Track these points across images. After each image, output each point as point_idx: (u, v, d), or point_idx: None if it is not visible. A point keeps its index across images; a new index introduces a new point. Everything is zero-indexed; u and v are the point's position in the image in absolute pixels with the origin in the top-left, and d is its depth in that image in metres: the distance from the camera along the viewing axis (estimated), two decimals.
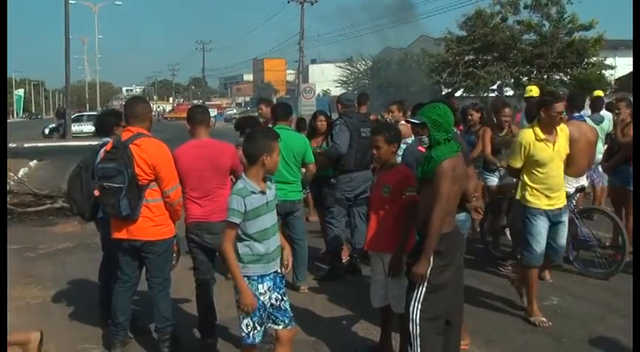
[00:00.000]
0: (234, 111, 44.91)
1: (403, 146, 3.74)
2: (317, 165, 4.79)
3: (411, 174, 3.20)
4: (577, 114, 5.09)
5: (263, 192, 2.76)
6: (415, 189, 3.07)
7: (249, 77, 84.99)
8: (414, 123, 3.01)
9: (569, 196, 5.19)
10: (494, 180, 5.61)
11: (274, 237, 2.79)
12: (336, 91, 37.22)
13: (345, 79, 41.57)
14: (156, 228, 3.34)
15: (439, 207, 2.75)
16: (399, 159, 3.54)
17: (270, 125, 4.81)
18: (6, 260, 3.13)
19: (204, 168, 3.50)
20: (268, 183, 2.82)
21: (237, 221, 2.67)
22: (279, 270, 2.79)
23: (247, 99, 74.98)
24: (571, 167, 5.04)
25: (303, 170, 4.73)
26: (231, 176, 3.77)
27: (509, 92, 21.02)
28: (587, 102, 6.88)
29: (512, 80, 20.62)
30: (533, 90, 7.20)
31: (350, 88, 39.88)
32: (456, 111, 3.73)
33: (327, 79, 49.18)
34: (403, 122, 5.26)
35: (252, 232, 2.70)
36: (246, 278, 2.69)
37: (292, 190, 4.58)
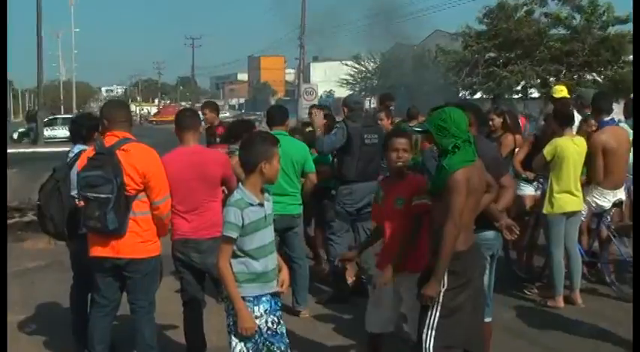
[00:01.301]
0: (227, 114, 45.11)
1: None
2: (319, 175, 4.84)
3: (425, 182, 3.25)
4: (607, 118, 5.13)
5: (261, 205, 2.80)
6: (426, 197, 3.11)
7: (243, 76, 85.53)
8: (419, 131, 3.07)
9: (604, 211, 5.22)
10: (528, 191, 5.61)
11: (272, 254, 2.82)
12: (341, 92, 37.40)
13: (351, 78, 41.80)
14: (143, 245, 3.35)
15: (451, 222, 2.78)
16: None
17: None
18: (6, 259, 3.15)
19: (191, 179, 3.54)
20: (266, 194, 2.86)
21: (235, 235, 2.70)
22: (276, 291, 2.82)
23: (242, 101, 75.43)
24: (608, 178, 5.07)
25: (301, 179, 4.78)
26: (223, 188, 3.80)
27: (535, 94, 21.10)
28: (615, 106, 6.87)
29: (539, 80, 20.63)
30: (564, 91, 7.11)
31: (357, 89, 40.10)
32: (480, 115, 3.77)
33: (330, 78, 49.42)
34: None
35: (250, 248, 2.74)
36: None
37: (291, 203, 4.60)
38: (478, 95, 21.57)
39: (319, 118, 5.35)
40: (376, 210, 3.44)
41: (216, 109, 6.58)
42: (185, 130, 3.66)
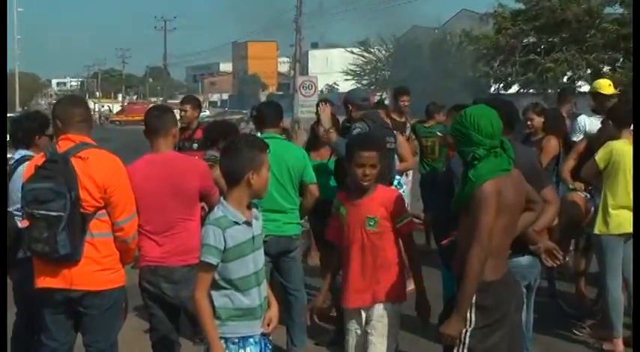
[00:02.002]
0: (208, 112, 45.18)
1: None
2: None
3: (399, 195, 3.44)
4: None
5: (249, 223, 2.81)
6: (410, 216, 3.25)
7: (227, 67, 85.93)
8: (439, 135, 3.13)
9: None
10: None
11: (262, 285, 2.83)
12: (346, 86, 37.61)
13: (357, 69, 41.96)
14: (102, 274, 3.36)
15: (477, 245, 2.80)
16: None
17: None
18: (6, 258, 3.14)
19: (163, 193, 3.56)
20: (254, 210, 2.88)
21: (215, 261, 2.72)
22: (266, 330, 2.84)
23: (225, 96, 75.68)
24: None
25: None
26: (202, 203, 3.82)
27: (585, 87, 21.08)
28: None
29: (590, 71, 20.57)
30: (612, 87, 6.96)
31: (364, 83, 40.23)
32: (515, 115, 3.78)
33: (333, 69, 49.68)
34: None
35: (235, 277, 2.76)
36: (223, 341, 2.72)
37: (288, 221, 4.62)
38: (514, 89, 21.60)
39: (327, 114, 5.35)
40: (335, 229, 3.50)
41: (198, 107, 6.59)
42: (155, 133, 3.69)
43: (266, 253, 3.12)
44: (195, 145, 6.13)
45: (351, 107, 5.29)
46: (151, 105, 5.76)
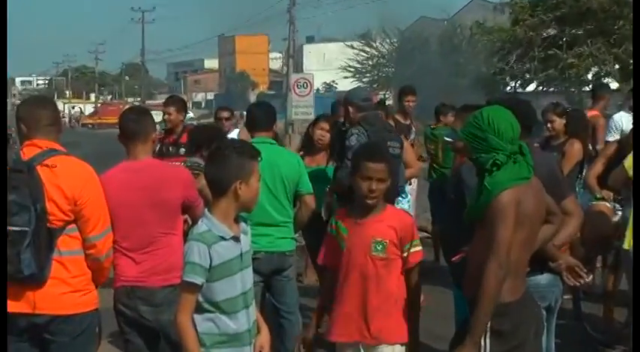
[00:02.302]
0: (191, 114, 45.29)
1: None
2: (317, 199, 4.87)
3: (411, 220, 3.39)
4: None
5: (236, 239, 2.83)
6: (419, 243, 3.22)
7: (212, 63, 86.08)
8: (450, 141, 3.13)
9: None
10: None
11: (251, 307, 2.85)
12: (345, 85, 37.60)
13: (358, 65, 42.01)
14: (72, 296, 3.34)
15: (495, 261, 2.81)
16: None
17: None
18: (6, 259, 3.16)
19: (141, 204, 3.58)
20: (243, 224, 2.89)
21: (200, 281, 2.73)
22: None
23: (210, 96, 75.78)
24: None
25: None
26: (185, 216, 3.83)
27: (613, 84, 21.15)
28: None
29: (618, 66, 20.61)
30: None
31: (365, 81, 40.29)
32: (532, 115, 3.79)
33: (330, 65, 49.70)
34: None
35: (221, 299, 2.77)
36: None
37: (281, 236, 4.63)
38: (532, 87, 21.64)
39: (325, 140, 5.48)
40: (331, 251, 3.43)
41: (183, 109, 6.60)
42: (133, 138, 3.70)
43: (257, 272, 3.13)
44: (182, 150, 6.16)
45: (350, 108, 5.31)
46: (128, 106, 5.75)
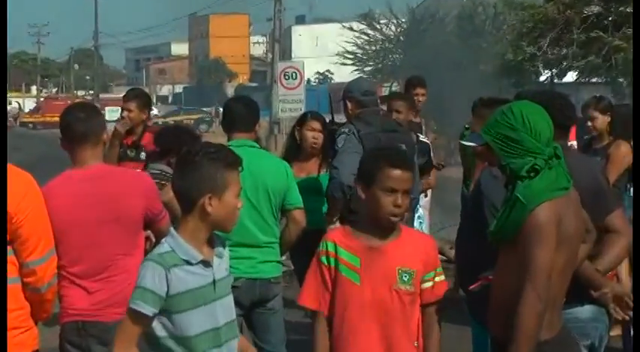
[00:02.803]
0: (155, 112, 45.28)
1: None
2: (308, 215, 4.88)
3: (432, 240, 3.34)
4: None
5: (207, 264, 2.84)
6: (442, 272, 3.17)
7: (181, 49, 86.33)
8: (472, 146, 3.13)
9: None
10: None
11: (227, 346, 2.86)
12: (343, 75, 37.72)
13: (358, 51, 42.07)
14: (7, 335, 3.30)
15: (533, 292, 2.82)
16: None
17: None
18: (6, 260, 3.24)
19: (94, 221, 3.58)
20: (219, 248, 2.91)
21: (150, 311, 2.74)
22: None
23: (179, 89, 75.91)
24: None
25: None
26: (147, 232, 3.85)
27: None
28: None
29: None
30: None
31: (368, 70, 40.35)
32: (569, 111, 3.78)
33: (325, 51, 49.81)
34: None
35: (185, 335, 2.77)
36: None
37: (265, 259, 4.65)
38: (570, 76, 21.67)
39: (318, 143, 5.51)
40: (316, 288, 3.23)
41: (147, 105, 6.58)
42: (82, 141, 3.69)
43: (235, 302, 3.13)
44: (143, 154, 6.15)
45: (349, 103, 5.34)
46: (75, 102, 5.71)
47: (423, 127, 7.71)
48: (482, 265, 3.26)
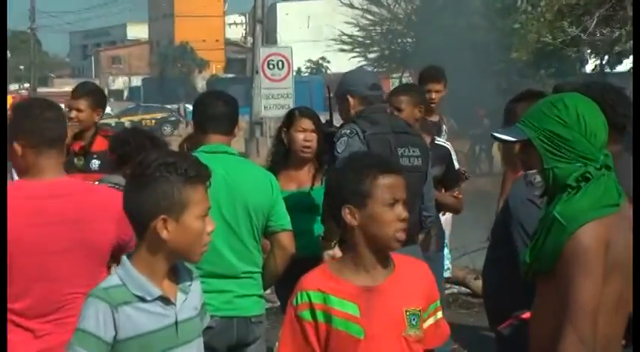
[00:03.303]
0: (108, 110, 45.15)
1: None
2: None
3: (425, 265, 3.28)
4: None
5: (168, 301, 2.84)
6: (441, 306, 3.15)
7: (139, 31, 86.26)
8: (506, 140, 3.15)
9: None
10: None
11: None
12: (341, 64, 37.85)
13: (360, 33, 42.16)
14: None
15: (574, 334, 2.83)
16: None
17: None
18: (6, 261, 3.37)
19: (48, 248, 3.58)
20: (183, 281, 2.91)
21: None
22: None
23: (137, 81, 75.80)
24: None
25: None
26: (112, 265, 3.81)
27: None
28: None
29: None
30: None
31: (372, 57, 40.38)
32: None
33: (319, 35, 49.74)
34: None
35: None
36: None
37: (244, 293, 4.66)
38: (626, 65, 21.74)
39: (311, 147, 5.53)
40: (300, 345, 3.09)
41: (100, 103, 6.55)
42: (49, 147, 3.69)
43: (208, 347, 3.13)
44: (96, 163, 6.14)
45: (350, 100, 5.37)
46: (10, 96, 5.66)
47: (444, 127, 7.60)
48: (515, 300, 3.27)
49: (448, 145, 6.75)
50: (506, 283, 3.46)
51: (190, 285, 2.94)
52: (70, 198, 3.66)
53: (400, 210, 3.04)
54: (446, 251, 6.99)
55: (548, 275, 2.95)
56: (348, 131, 5.13)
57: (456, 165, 6.70)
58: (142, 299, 2.79)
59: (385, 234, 3.04)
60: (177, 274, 2.91)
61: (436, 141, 6.48)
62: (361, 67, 30.01)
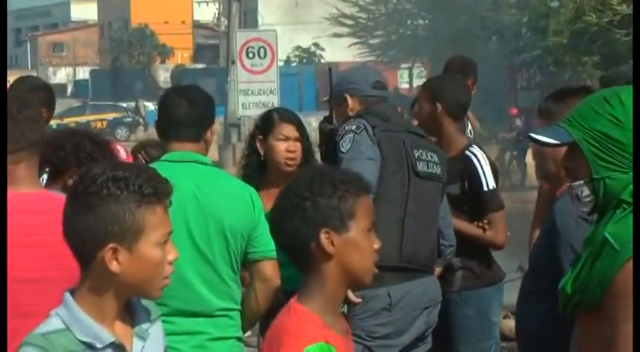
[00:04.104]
0: None
1: None
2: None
3: None
4: None
5: (121, 348, 2.84)
6: None
7: (86, 11, 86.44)
8: (549, 144, 3.16)
9: None
10: None
11: None
12: (337, 52, 38.15)
13: (361, 15, 42.27)
14: None
15: None
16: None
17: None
18: (6, 262, 3.44)
19: (24, 277, 3.63)
20: (141, 324, 2.92)
21: None
22: None
23: (84, 73, 75.86)
24: None
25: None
26: None
27: None
28: None
29: None
30: None
31: (375, 43, 40.55)
32: None
33: (309, 17, 49.87)
34: None
35: None
36: None
37: (220, 336, 4.69)
38: None
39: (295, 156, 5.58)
40: None
41: (48, 101, 6.58)
42: (29, 149, 3.79)
43: None
44: (44, 176, 6.17)
45: (349, 99, 5.44)
46: None
47: (469, 126, 7.57)
48: (560, 344, 3.29)
49: (477, 152, 6.19)
50: (551, 322, 3.47)
51: (148, 329, 2.92)
52: (49, 217, 3.61)
53: (374, 238, 2.99)
54: None
55: (593, 311, 2.96)
56: (354, 126, 5.15)
57: (489, 183, 6.08)
58: (91, 347, 2.77)
59: (364, 266, 2.98)
60: (132, 314, 2.90)
61: (470, 149, 6.12)
62: (360, 64, 30.13)
